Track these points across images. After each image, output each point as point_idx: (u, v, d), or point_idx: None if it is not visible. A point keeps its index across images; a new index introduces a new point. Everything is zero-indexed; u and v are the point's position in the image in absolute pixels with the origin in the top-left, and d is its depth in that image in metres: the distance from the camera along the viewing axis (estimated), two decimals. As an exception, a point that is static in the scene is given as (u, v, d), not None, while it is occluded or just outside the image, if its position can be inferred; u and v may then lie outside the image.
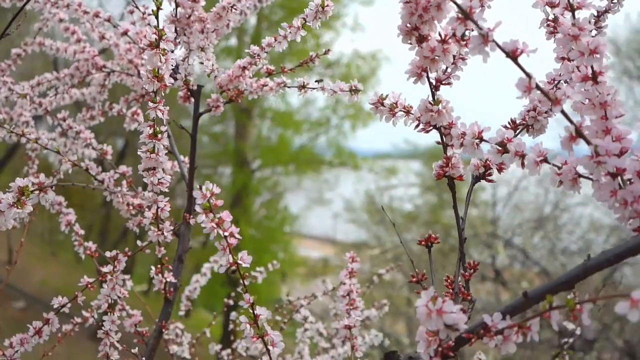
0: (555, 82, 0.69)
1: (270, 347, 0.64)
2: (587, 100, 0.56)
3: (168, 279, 0.98)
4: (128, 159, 9.83)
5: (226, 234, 0.61)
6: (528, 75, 0.51)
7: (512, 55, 0.51)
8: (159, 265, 0.96)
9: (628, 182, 0.52)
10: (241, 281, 0.64)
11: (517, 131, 0.68)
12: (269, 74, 0.98)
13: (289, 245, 10.84)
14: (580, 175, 0.55)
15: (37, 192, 0.67)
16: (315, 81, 0.91)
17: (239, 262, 0.63)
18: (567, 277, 0.50)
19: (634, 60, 8.77)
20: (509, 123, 0.69)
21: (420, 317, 0.50)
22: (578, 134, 0.52)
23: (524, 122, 0.69)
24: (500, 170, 0.67)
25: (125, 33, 1.02)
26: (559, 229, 6.69)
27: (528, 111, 0.69)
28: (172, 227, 0.91)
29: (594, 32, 0.73)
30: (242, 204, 10.66)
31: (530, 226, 6.58)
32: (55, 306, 0.91)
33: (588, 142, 0.51)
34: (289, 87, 0.96)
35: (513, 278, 6.59)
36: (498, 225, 6.25)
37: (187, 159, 1.10)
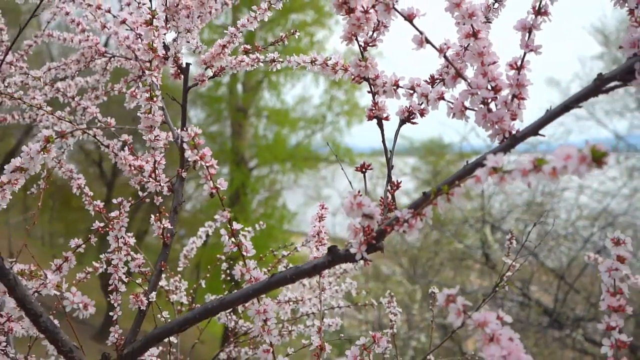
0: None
1: (244, 254, 0.84)
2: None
3: (165, 226, 1.16)
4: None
5: (208, 164, 0.80)
6: (420, 32, 0.70)
7: (409, 18, 0.70)
8: (157, 214, 1.15)
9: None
10: (220, 202, 0.83)
11: (435, 83, 0.87)
12: (246, 52, 1.17)
13: (288, 242, 11.00)
14: (466, 108, 0.73)
15: (59, 138, 0.86)
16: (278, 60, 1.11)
17: (218, 186, 0.82)
18: (453, 177, 0.69)
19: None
20: (429, 77, 0.88)
21: (345, 209, 0.69)
22: (458, 74, 0.71)
23: (440, 76, 0.87)
24: (422, 114, 0.86)
25: (123, 22, 1.21)
26: (547, 215, 6.89)
27: (443, 67, 0.87)
28: (167, 180, 1.10)
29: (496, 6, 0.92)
30: (240, 202, 10.83)
31: (520, 211, 6.78)
32: (72, 246, 1.09)
33: (465, 80, 0.70)
34: (262, 62, 1.15)
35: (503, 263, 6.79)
36: (487, 210, 6.44)
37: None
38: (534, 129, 0.66)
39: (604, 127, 8.54)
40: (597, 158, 0.45)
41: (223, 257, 1.50)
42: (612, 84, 0.64)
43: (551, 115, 0.65)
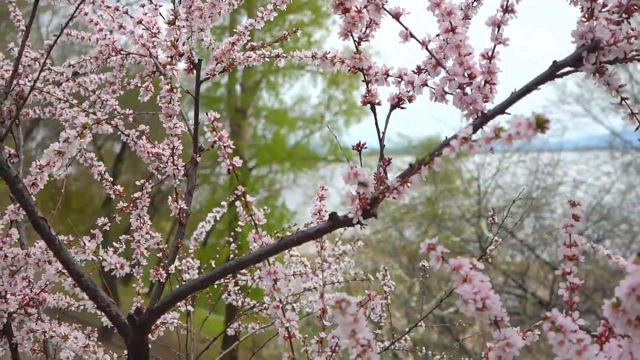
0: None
1: (257, 222, 0.96)
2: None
3: (182, 206, 1.29)
4: (126, 161, 10.18)
5: (225, 144, 0.93)
6: (406, 28, 0.82)
7: (396, 16, 0.82)
8: (174, 195, 1.28)
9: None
10: (235, 176, 0.96)
11: (421, 73, 1.00)
12: (253, 49, 1.29)
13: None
14: (446, 92, 0.86)
15: (95, 125, 0.98)
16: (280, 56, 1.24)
17: (234, 163, 0.94)
18: (434, 150, 0.81)
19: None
20: (416, 68, 1.00)
21: (344, 178, 0.81)
22: (438, 63, 0.83)
23: (425, 67, 1.00)
24: (409, 100, 0.99)
25: (140, 22, 1.33)
26: (542, 209, 7.04)
27: (427, 59, 1.00)
28: (184, 164, 1.23)
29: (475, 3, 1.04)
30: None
31: (517, 204, 6.93)
32: (99, 224, 1.21)
33: (444, 68, 0.83)
34: (267, 57, 1.27)
35: (501, 256, 6.95)
36: (483, 205, 6.58)
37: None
38: (501, 109, 0.78)
39: (600, 123, 8.67)
40: (540, 124, 0.58)
41: (231, 240, 1.63)
42: (566, 69, 0.77)
43: (515, 97, 0.77)
